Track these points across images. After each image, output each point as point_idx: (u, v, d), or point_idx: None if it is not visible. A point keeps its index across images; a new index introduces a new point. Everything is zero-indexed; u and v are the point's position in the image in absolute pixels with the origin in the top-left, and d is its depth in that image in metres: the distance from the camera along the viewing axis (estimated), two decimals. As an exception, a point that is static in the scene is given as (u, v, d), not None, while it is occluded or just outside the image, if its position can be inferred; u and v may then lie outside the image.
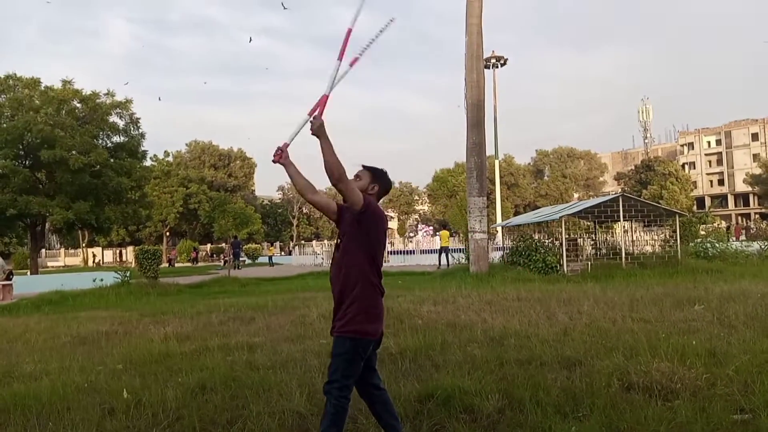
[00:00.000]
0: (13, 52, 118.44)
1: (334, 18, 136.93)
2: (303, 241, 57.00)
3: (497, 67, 42.10)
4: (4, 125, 27.60)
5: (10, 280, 17.06)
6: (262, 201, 77.03)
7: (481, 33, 17.74)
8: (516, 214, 63.53)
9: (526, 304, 9.37)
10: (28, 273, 31.20)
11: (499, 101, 43.59)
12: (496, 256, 21.27)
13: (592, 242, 20.63)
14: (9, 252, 45.99)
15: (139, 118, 32.95)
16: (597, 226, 21.54)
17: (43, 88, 30.79)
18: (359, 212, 3.16)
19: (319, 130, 3.10)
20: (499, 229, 33.42)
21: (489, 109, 26.25)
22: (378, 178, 3.40)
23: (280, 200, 79.54)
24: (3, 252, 31.78)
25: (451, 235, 28.09)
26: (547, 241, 18.52)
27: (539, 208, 48.01)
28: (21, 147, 28.76)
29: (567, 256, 16.79)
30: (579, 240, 20.01)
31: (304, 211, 77.53)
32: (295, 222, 75.98)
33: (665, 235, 19.85)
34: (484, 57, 19.80)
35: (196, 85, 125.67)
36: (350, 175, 3.26)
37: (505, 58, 42.03)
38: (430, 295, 11.05)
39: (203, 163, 67.29)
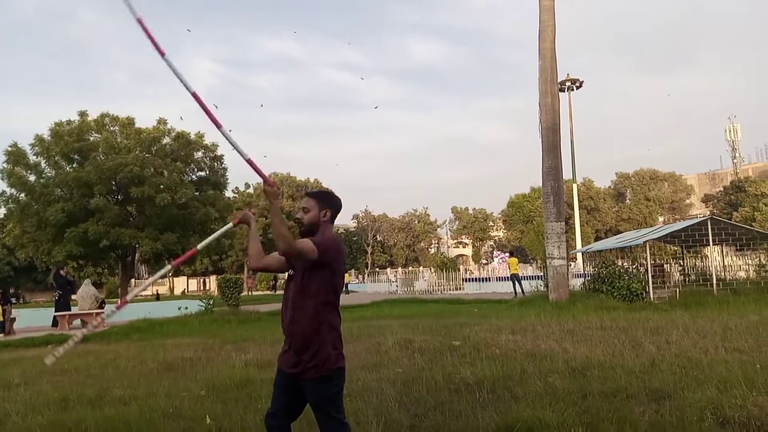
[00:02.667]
0: (106, 95, 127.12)
1: (406, 50, 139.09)
2: (377, 269, 57.33)
3: (572, 89, 41.35)
4: (99, 165, 29.53)
5: (103, 307, 18.02)
6: (338, 229, 78.29)
7: (554, 57, 17.50)
8: (597, 239, 61.39)
9: (610, 333, 9.00)
10: (119, 301, 32.97)
11: (575, 124, 42.69)
12: (576, 283, 20.56)
13: (679, 268, 19.65)
14: (101, 282, 48.69)
15: (223, 155, 34.59)
16: (684, 251, 20.51)
17: (135, 129, 32.88)
18: (319, 259, 2.98)
19: (277, 196, 2.99)
20: (579, 254, 32.47)
21: (565, 133, 25.81)
22: (325, 202, 3.24)
23: (355, 228, 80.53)
24: (96, 281, 33.72)
25: (527, 262, 27.46)
26: (631, 267, 17.77)
27: (621, 232, 46.26)
28: (114, 184, 30.67)
29: (653, 282, 16.04)
30: (665, 266, 19.11)
31: (378, 239, 78.19)
32: (369, 250, 76.61)
33: (760, 260, 18.62)
34: (559, 80, 19.49)
35: (275, 119, 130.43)
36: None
37: (581, 80, 41.25)
38: (508, 324, 10.80)
39: (282, 194, 69.31)
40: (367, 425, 4.49)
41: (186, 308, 17.28)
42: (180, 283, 65.31)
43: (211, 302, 17.87)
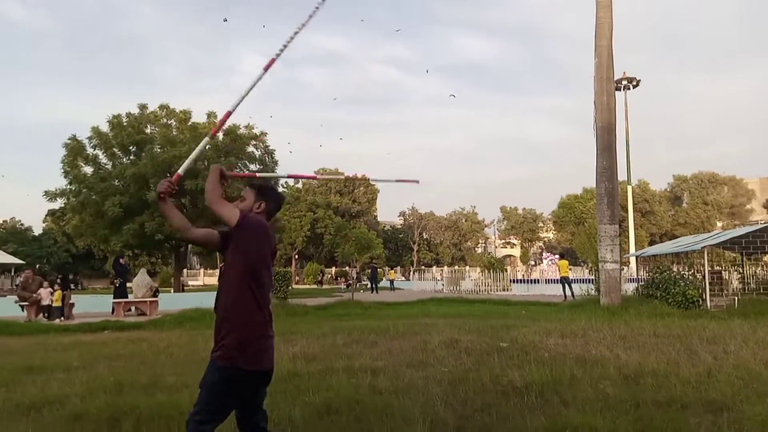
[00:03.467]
0: (159, 89, 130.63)
1: (453, 47, 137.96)
2: (423, 267, 57.24)
3: (629, 89, 40.18)
4: (155, 157, 30.38)
5: (156, 296, 18.59)
6: (384, 226, 78.48)
7: (611, 55, 17.09)
8: (651, 243, 59.70)
9: (664, 340, 8.73)
10: (172, 291, 33.88)
11: (631, 124, 41.53)
12: (629, 287, 20.03)
13: (739, 275, 18.92)
14: (155, 271, 50.17)
15: (274, 150, 35.09)
16: (744, 259, 19.73)
17: (190, 124, 33.68)
18: (235, 228, 2.94)
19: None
20: (633, 259, 31.61)
21: (620, 133, 25.12)
22: (263, 195, 3.21)
23: (401, 225, 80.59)
24: (150, 270, 34.87)
25: (577, 264, 26.88)
26: (687, 273, 17.20)
27: (677, 237, 44.88)
28: (168, 176, 31.51)
29: (710, 289, 15.48)
30: (724, 273, 18.44)
31: (425, 236, 78.02)
32: (415, 247, 76.56)
33: (828, 269, 17.75)
34: (615, 78, 18.99)
35: (323, 114, 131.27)
36: None
37: (638, 79, 40.02)
38: (557, 327, 10.60)
39: (329, 190, 69.95)
40: (414, 423, 4.48)
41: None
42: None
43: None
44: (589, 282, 21.93)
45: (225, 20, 77.98)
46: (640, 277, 21.64)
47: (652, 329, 10.13)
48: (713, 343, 8.28)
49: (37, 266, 44.11)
